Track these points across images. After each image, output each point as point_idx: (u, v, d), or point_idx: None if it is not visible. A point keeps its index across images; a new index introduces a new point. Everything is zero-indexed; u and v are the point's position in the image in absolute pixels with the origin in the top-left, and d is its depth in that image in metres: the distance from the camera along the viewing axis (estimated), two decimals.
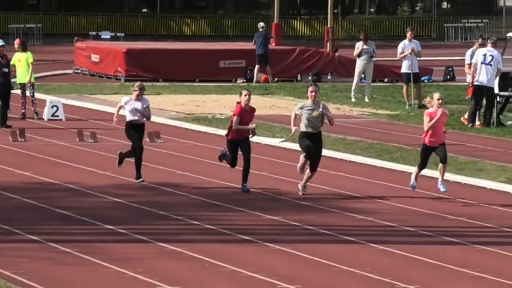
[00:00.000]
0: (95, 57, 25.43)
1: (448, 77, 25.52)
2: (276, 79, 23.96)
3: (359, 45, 20.74)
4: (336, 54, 25.86)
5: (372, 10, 58.77)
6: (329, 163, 10.76)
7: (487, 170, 12.40)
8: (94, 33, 35.05)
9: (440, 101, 9.32)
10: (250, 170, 10.05)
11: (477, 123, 16.39)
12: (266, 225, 9.03)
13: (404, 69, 19.38)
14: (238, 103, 9.47)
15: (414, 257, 7.23)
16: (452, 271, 6.65)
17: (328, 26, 29.23)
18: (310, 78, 23.33)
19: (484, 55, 16.29)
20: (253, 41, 24.47)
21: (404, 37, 20.41)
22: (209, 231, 8.40)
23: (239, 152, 9.61)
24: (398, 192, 10.08)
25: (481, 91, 16.31)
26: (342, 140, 14.73)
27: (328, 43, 27.92)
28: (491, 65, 16.16)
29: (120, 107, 10.36)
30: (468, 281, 6.31)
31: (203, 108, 19.15)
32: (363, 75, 20.92)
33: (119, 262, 6.52)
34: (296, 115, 9.43)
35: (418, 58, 19.92)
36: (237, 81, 23.70)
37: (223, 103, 19.15)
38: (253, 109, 9.68)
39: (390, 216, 9.22)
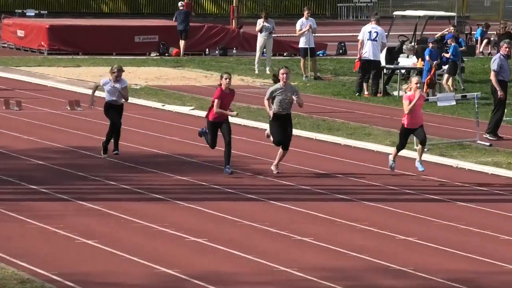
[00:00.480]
0: (20, 33, 26.87)
1: (341, 51, 27.29)
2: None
3: (260, 22, 21.83)
4: (241, 30, 27.51)
5: None
6: (236, 129, 11.00)
7: (374, 135, 13.31)
8: (19, 10, 36.33)
9: (418, 84, 9.38)
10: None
11: (366, 92, 17.69)
12: (176, 184, 9.34)
13: (302, 44, 20.49)
14: (219, 86, 9.38)
15: (309, 212, 7.79)
16: (343, 225, 7.25)
17: (234, 5, 31.23)
18: (217, 52, 25.59)
19: (370, 32, 17.58)
20: (174, 18, 26.12)
21: (302, 15, 21.78)
22: (124, 190, 8.75)
23: (219, 133, 9.42)
24: (294, 154, 10.52)
25: (369, 65, 17.65)
26: (246, 109, 15.34)
27: (233, 21, 29.45)
28: (376, 40, 17.48)
29: (97, 87, 10.46)
30: (357, 233, 6.89)
31: None
32: (264, 49, 21.99)
33: (42, 219, 6.78)
34: (269, 101, 9.41)
35: (314, 35, 21.20)
36: (151, 55, 24.87)
37: (138, 75, 20.11)
38: (233, 91, 9.54)
39: (287, 176, 9.72)
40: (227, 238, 6.39)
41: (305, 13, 21.11)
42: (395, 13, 23.19)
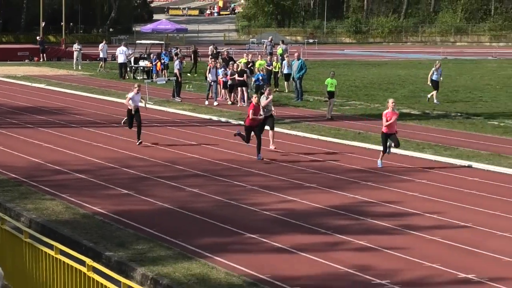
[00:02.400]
0: None
1: None
2: None
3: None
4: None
5: None
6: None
7: None
8: None
9: (394, 104, 12.08)
10: None
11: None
12: None
13: None
14: (251, 102, 13.30)
15: None
16: None
17: (63, 37, 46.92)
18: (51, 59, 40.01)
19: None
20: (38, 44, 40.03)
21: None
22: None
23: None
24: None
25: None
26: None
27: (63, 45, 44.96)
28: None
29: (130, 99, 14.25)
30: None
31: None
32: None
33: None
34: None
35: None
36: (25, 61, 38.45)
37: (19, 71, 32.12)
38: (259, 106, 12.63)
39: None
40: None
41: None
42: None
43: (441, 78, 21.52)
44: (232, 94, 20.92)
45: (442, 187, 10.62)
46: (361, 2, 79.64)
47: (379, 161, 11.98)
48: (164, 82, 24.32)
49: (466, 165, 12.30)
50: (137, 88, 14.24)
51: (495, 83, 28.21)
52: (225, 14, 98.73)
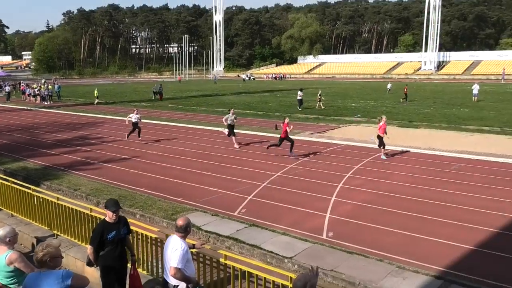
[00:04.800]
0: None
1: None
2: None
3: None
4: None
5: None
6: None
7: None
8: None
9: (385, 118, 18.24)
10: None
11: None
12: None
13: None
14: (284, 122, 18.12)
15: None
16: None
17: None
18: None
19: None
20: None
21: None
22: None
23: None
24: None
25: None
26: None
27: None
28: None
29: (130, 118, 21.99)
30: None
31: None
32: None
33: None
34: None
35: None
36: None
37: None
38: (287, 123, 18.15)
39: None
40: None
41: None
42: None
43: None
44: None
45: None
46: None
47: (383, 156, 17.59)
48: None
49: None
50: (136, 110, 22.41)
51: None
52: None
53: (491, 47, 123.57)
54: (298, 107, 36.74)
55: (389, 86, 54.97)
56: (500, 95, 48.92)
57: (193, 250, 6.29)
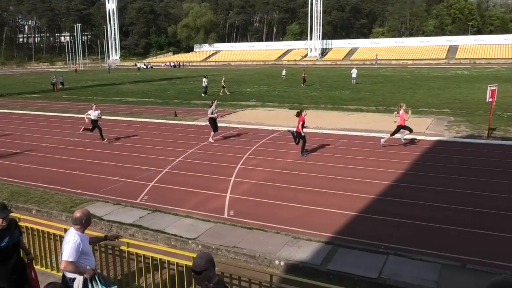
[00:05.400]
0: None
1: None
2: None
3: None
4: None
5: None
6: None
7: None
8: None
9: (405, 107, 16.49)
10: None
11: None
12: None
13: None
14: (300, 115, 15.13)
15: None
16: None
17: None
18: None
19: None
20: None
21: None
22: None
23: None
24: None
25: None
26: None
27: None
28: None
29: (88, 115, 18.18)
30: None
31: None
32: None
33: None
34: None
35: None
36: None
37: None
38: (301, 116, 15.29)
39: None
40: None
41: None
42: None
43: None
44: None
45: None
46: None
47: (382, 141, 16.43)
48: None
49: None
50: (95, 106, 18.08)
51: None
52: None
53: (365, 36, 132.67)
54: (203, 93, 36.31)
55: (284, 72, 55.87)
56: (374, 78, 52.92)
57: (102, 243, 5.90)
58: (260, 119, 23.12)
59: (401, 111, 16.22)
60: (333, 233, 8.56)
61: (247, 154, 15.49)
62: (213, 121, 18.00)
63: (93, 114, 18.13)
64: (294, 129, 15.59)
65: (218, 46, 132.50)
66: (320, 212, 9.73)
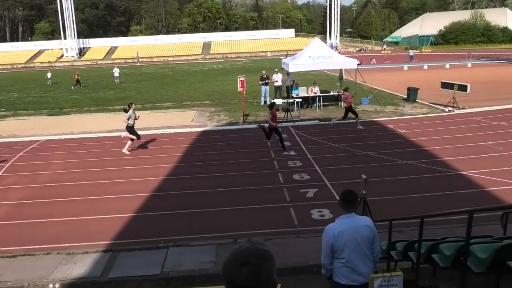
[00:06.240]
0: None
1: None
2: None
3: None
4: None
5: None
6: None
7: None
8: None
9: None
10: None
11: None
12: None
13: None
14: (272, 110, 14.43)
15: None
16: None
17: None
18: None
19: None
20: None
21: None
22: None
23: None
24: None
25: None
26: None
27: None
28: None
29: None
30: None
31: None
32: None
33: None
34: None
35: None
36: None
37: None
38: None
39: None
40: None
41: None
42: None
43: None
44: None
45: None
46: None
47: (359, 126, 17.15)
48: None
49: None
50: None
51: None
52: None
53: (124, 34, 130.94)
54: None
55: (49, 75, 49.53)
56: (138, 76, 52.89)
57: None
58: (14, 130, 20.37)
59: (347, 93, 17.85)
60: (111, 239, 8.25)
61: (1, 172, 13.48)
62: (131, 128, 15.43)
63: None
64: (266, 125, 14.84)
65: None
66: (94, 220, 9.23)
